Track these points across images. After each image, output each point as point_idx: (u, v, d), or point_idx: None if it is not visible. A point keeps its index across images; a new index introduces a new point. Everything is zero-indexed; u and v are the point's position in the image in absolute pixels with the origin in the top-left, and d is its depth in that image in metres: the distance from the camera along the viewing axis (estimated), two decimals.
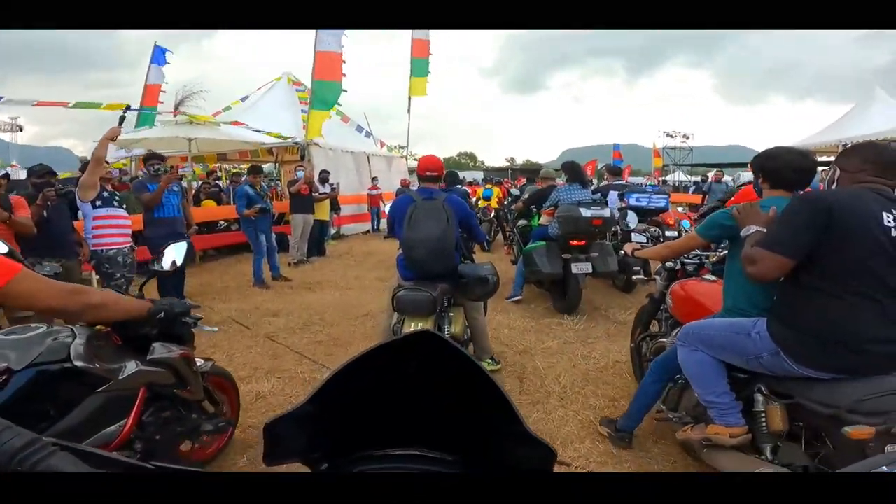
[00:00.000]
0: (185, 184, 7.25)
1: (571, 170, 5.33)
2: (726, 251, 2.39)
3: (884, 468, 0.59)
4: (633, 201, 6.00)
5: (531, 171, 30.24)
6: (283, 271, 6.96)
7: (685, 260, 2.91)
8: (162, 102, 11.91)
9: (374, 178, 12.78)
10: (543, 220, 5.53)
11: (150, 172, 4.90)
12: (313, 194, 8.12)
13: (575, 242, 4.94)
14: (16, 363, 1.36)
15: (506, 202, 10.30)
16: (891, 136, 10.69)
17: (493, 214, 10.16)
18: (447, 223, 3.07)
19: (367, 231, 12.67)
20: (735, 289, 2.19)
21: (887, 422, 1.59)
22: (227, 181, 12.85)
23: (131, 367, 1.68)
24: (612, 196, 6.30)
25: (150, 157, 5.03)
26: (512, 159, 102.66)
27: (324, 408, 0.65)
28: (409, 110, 15.70)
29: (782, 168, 2.16)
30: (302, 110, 11.12)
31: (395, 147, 16.84)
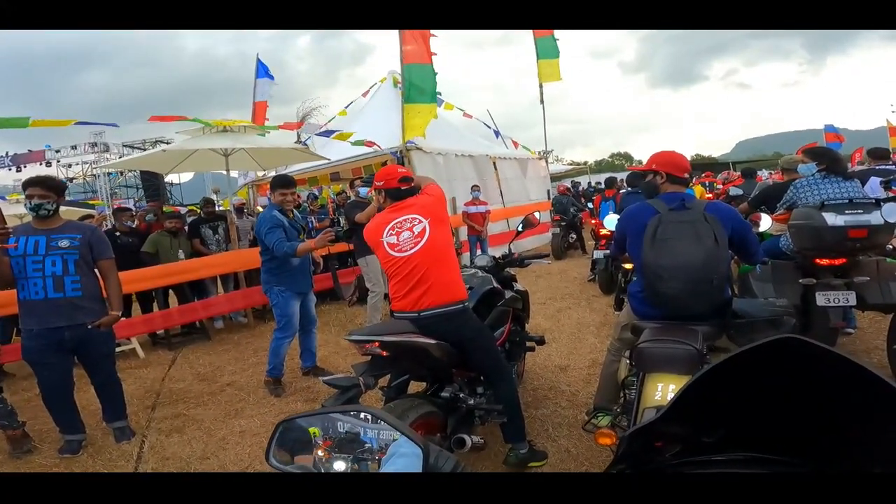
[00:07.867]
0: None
1: (824, 155, 3.82)
2: None
3: None
4: None
5: (704, 167, 27.77)
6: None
7: None
8: (268, 120, 10.80)
9: (474, 188, 8.48)
10: (773, 227, 4.16)
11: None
12: None
13: (825, 261, 3.42)
14: (477, 287, 2.85)
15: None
16: None
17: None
18: (715, 243, 2.17)
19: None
20: None
21: None
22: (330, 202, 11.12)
23: (510, 293, 3.13)
24: (874, 182, 5.21)
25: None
26: None
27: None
28: (541, 101, 12.70)
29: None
30: None
31: (538, 153, 13.75)
